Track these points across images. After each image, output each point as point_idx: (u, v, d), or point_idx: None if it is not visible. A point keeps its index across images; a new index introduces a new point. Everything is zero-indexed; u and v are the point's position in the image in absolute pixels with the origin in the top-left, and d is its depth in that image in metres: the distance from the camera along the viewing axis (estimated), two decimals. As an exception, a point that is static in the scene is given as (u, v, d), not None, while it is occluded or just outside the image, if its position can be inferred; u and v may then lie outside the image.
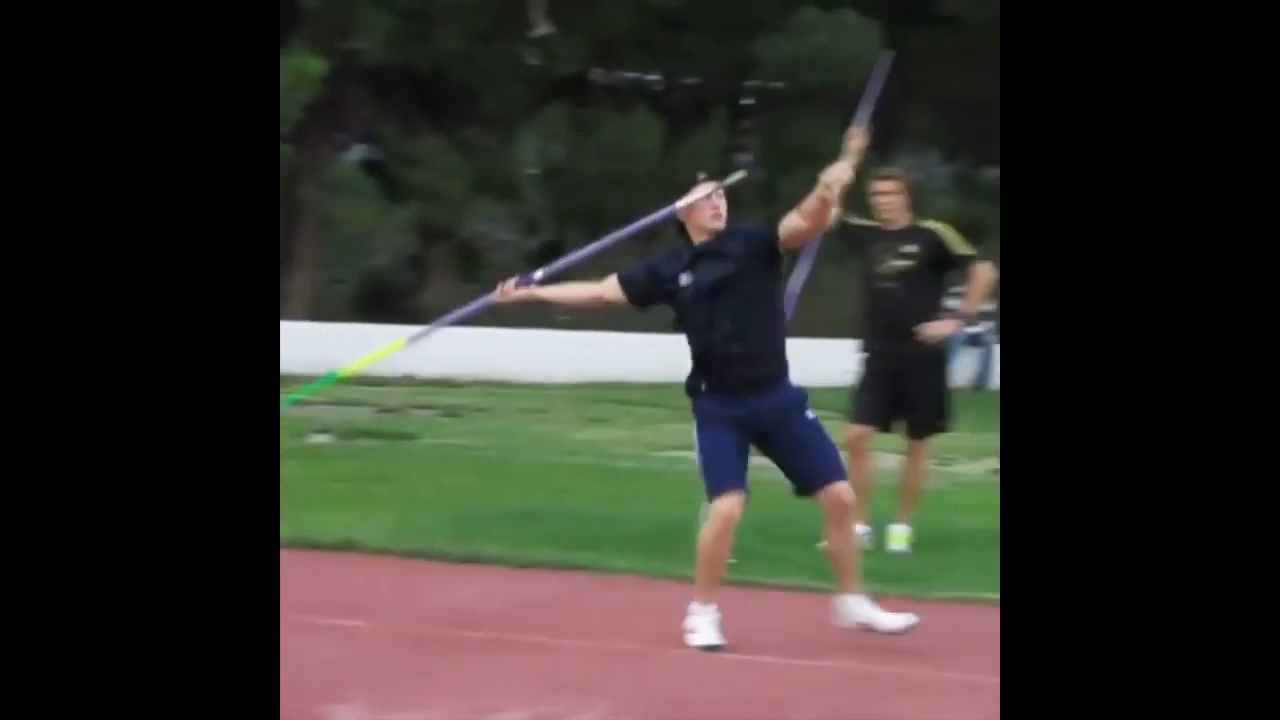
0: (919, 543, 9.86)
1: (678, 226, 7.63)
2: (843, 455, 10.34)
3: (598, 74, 31.16)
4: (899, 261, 9.86)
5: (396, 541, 9.52)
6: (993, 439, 19.30)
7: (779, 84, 26.18)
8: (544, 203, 30.56)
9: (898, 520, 9.98)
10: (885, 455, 10.78)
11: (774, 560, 9.08)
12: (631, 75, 31.33)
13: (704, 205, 7.52)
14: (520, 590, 8.52)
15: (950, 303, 11.14)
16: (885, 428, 10.01)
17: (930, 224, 10.19)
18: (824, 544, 9.71)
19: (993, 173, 28.14)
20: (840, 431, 10.86)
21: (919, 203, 10.36)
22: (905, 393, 9.91)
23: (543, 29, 28.47)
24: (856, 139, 10.32)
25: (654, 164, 28.21)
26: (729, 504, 7.24)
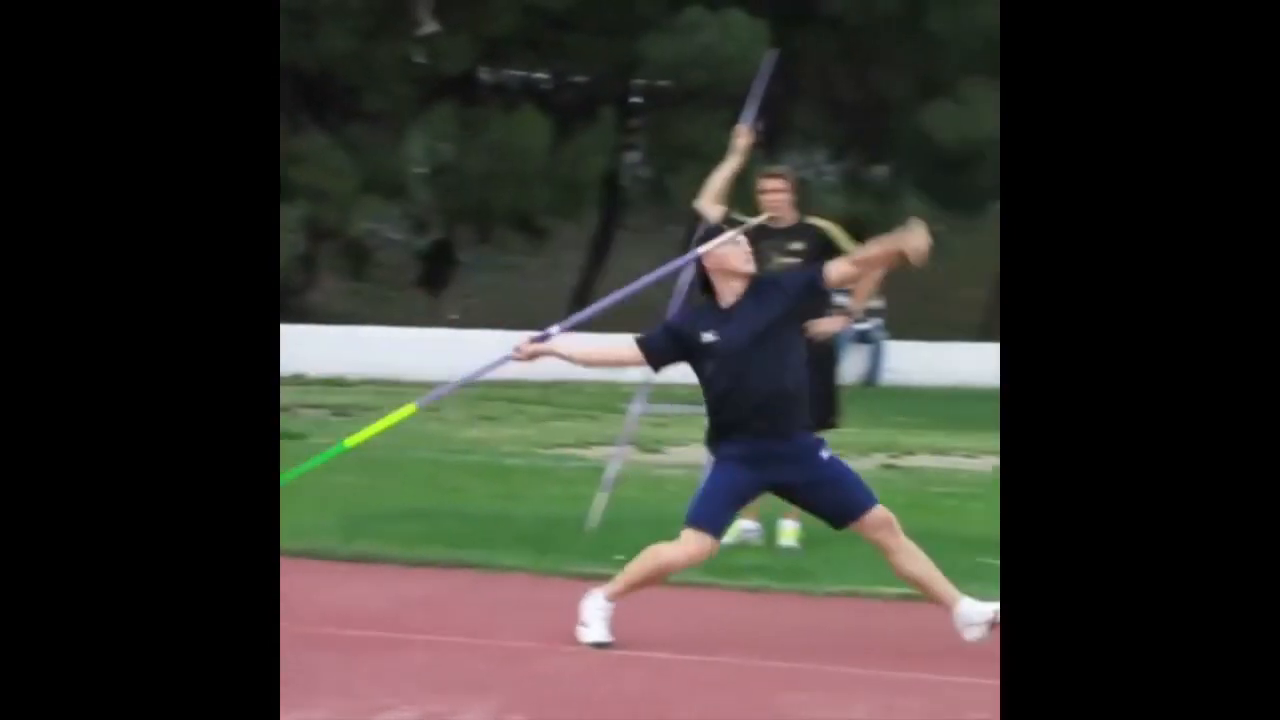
0: (808, 538, 9.90)
1: (703, 284, 7.47)
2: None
3: (485, 73, 31.10)
4: (786, 259, 9.89)
5: (284, 541, 9.40)
6: (881, 434, 19.52)
7: (666, 83, 26.23)
8: (432, 201, 30.45)
9: (787, 516, 10.01)
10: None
11: (664, 557, 9.08)
12: (519, 74, 31.29)
13: (734, 251, 7.36)
14: (409, 589, 8.49)
15: (838, 300, 11.20)
16: (774, 424, 10.04)
17: (817, 221, 10.24)
18: (723, 539, 9.76)
19: (880, 171, 28.32)
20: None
21: (806, 201, 10.41)
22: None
23: (429, 28, 28.37)
24: (743, 137, 10.38)
25: (542, 162, 28.19)
26: (705, 547, 7.16)
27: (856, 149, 28.36)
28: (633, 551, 9.16)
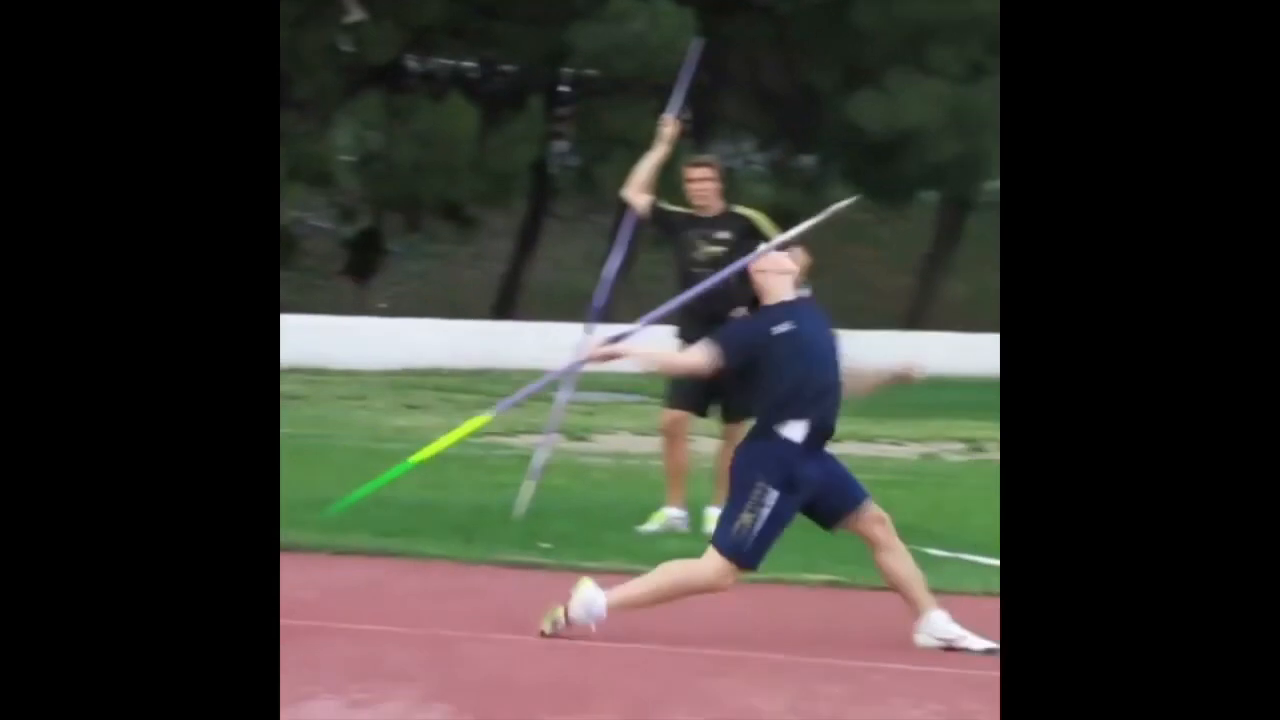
0: (733, 525, 9.93)
1: (751, 301, 7.55)
2: (659, 440, 10.44)
3: (413, 61, 31.01)
4: (713, 247, 9.93)
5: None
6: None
7: (594, 72, 26.24)
8: (360, 190, 30.36)
9: (714, 503, 10.04)
10: (703, 440, 10.85)
11: (592, 544, 9.11)
12: (447, 63, 31.22)
13: (777, 256, 7.61)
14: (334, 577, 8.47)
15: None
16: (701, 413, 10.07)
17: (743, 210, 10.28)
18: (650, 526, 9.78)
19: (807, 160, 28.40)
20: (657, 417, 10.93)
21: (734, 190, 10.45)
22: (720, 378, 9.96)
23: (356, 15, 28.27)
24: (669, 126, 10.41)
25: (470, 151, 28.14)
26: (733, 578, 7.14)
27: (784, 138, 28.42)
28: (559, 540, 9.19)
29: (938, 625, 7.19)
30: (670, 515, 9.97)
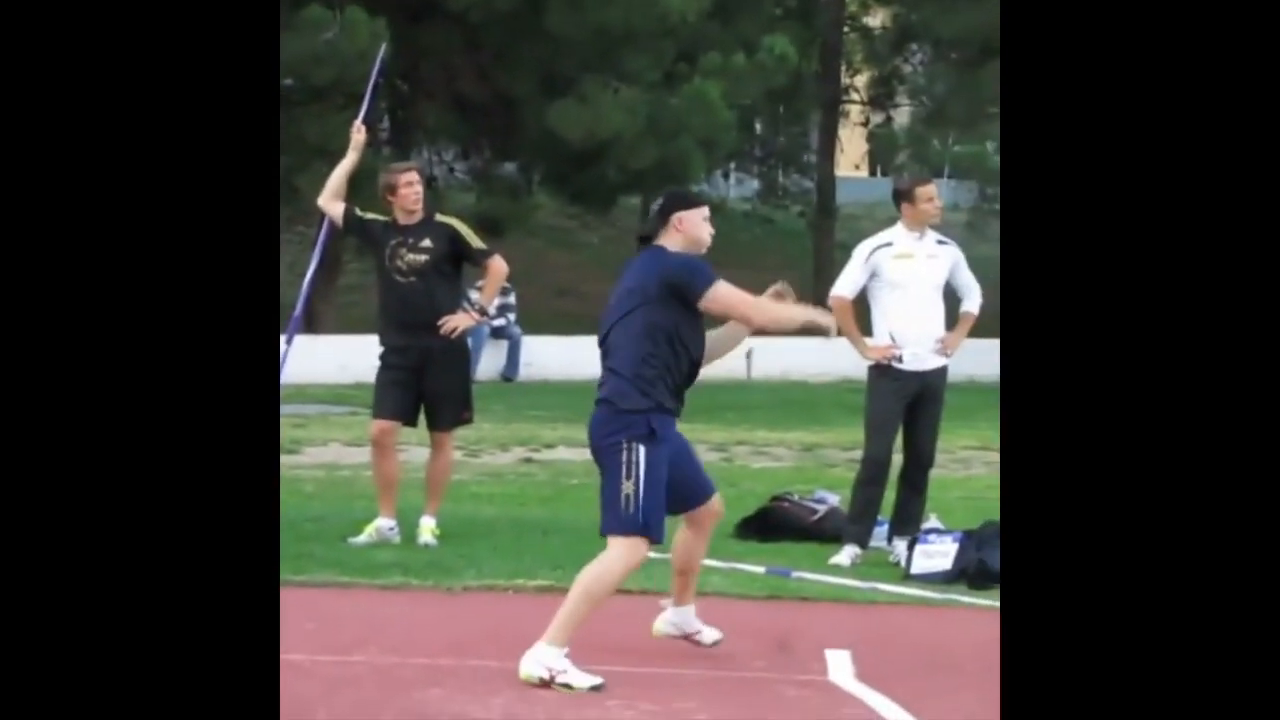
0: (446, 534, 9.93)
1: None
2: (368, 451, 10.38)
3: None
4: (416, 256, 9.90)
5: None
6: (521, 428, 19.54)
7: (289, 81, 25.95)
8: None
9: (425, 513, 10.03)
10: (415, 449, 10.82)
11: (300, 558, 9.02)
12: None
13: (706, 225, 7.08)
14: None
15: (474, 296, 11.26)
16: (410, 422, 10.04)
17: (445, 219, 10.28)
18: (361, 539, 9.70)
19: (509, 168, 28.45)
20: (365, 427, 10.87)
21: (438, 199, 10.46)
22: (427, 386, 9.95)
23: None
24: (360, 133, 10.37)
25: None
26: (646, 551, 6.78)
27: (485, 147, 28.44)
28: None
29: (682, 618, 7.26)
30: (382, 527, 9.92)
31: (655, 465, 6.70)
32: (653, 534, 6.72)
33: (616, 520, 6.68)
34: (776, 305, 7.08)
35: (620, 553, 6.70)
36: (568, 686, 6.51)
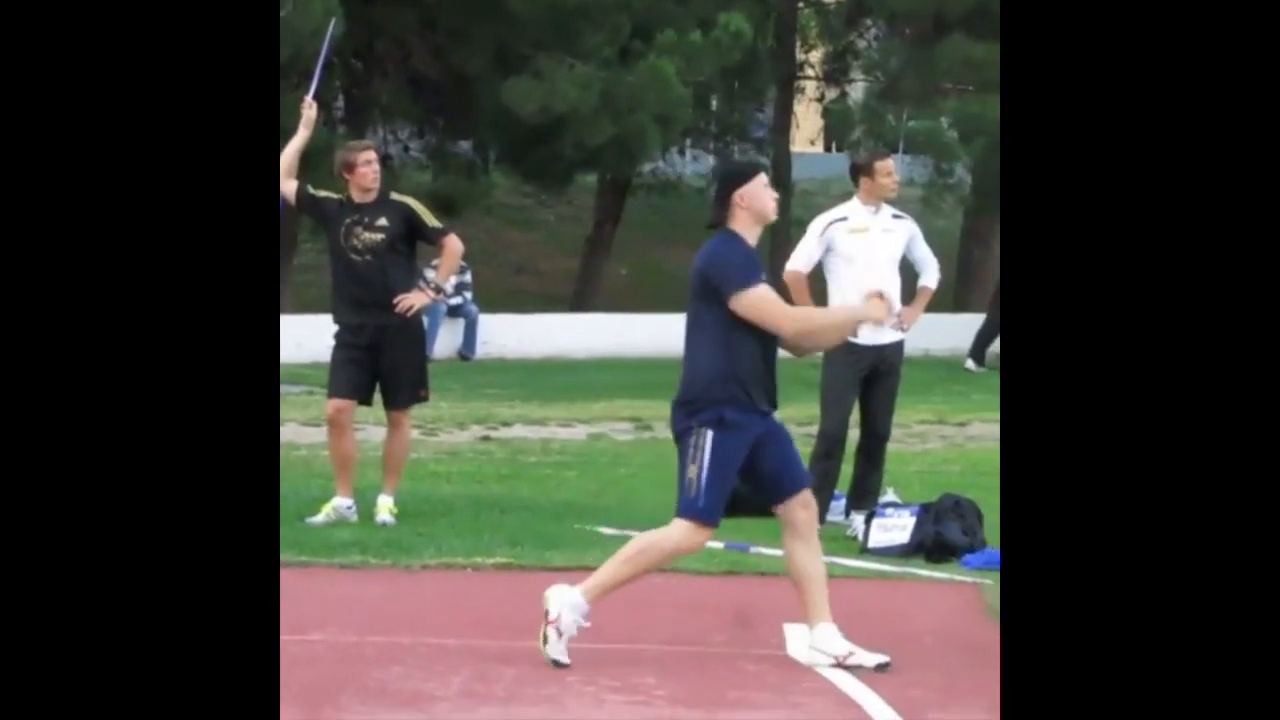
0: (404, 512, 9.92)
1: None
2: (324, 430, 10.36)
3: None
4: (371, 234, 9.87)
5: None
6: (478, 406, 19.51)
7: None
8: None
9: (383, 491, 10.01)
10: (372, 428, 10.79)
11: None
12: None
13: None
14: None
15: (430, 274, 11.24)
16: (365, 400, 10.02)
17: (400, 197, 10.24)
18: (318, 518, 9.67)
19: (464, 146, 28.39)
20: (322, 407, 10.85)
21: (394, 177, 10.42)
22: (383, 365, 9.93)
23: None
24: (309, 108, 10.31)
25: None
26: (704, 538, 6.74)
27: (440, 125, 28.36)
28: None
29: (828, 638, 6.70)
30: (339, 506, 9.89)
31: (722, 452, 6.57)
32: (705, 517, 6.62)
33: (681, 502, 6.65)
34: (816, 312, 7.07)
35: (676, 533, 6.66)
36: (557, 634, 6.52)
